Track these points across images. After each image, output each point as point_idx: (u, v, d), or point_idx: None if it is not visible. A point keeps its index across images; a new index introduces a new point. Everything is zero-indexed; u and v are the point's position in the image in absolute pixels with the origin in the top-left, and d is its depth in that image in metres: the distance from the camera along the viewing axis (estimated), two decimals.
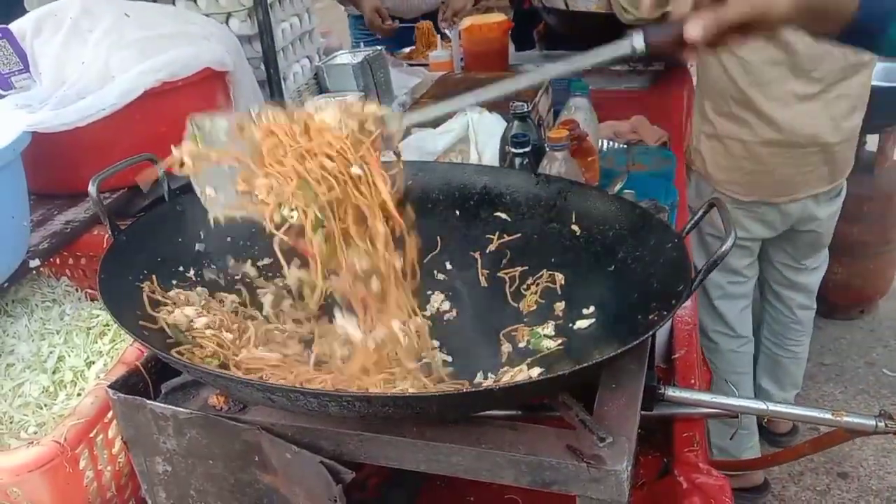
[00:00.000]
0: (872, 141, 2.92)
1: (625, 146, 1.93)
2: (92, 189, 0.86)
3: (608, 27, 2.69)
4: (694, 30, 0.86)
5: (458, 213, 1.18)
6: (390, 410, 0.70)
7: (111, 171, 0.91)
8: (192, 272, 0.99)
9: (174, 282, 0.96)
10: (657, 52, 0.90)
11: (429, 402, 0.72)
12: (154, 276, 0.92)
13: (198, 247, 1.01)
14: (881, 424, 0.99)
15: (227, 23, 1.90)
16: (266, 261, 1.09)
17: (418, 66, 2.81)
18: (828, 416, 1.00)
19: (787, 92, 1.92)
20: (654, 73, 2.59)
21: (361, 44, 3.17)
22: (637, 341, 0.73)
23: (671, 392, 0.99)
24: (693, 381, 1.25)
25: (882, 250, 3.02)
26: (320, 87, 2.22)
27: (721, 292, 2.30)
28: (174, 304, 0.91)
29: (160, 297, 0.91)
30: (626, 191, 1.43)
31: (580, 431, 0.76)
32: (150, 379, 0.91)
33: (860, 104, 2.04)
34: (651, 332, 0.77)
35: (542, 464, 0.74)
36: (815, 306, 2.49)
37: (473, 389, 0.81)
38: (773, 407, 1.00)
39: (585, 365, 0.71)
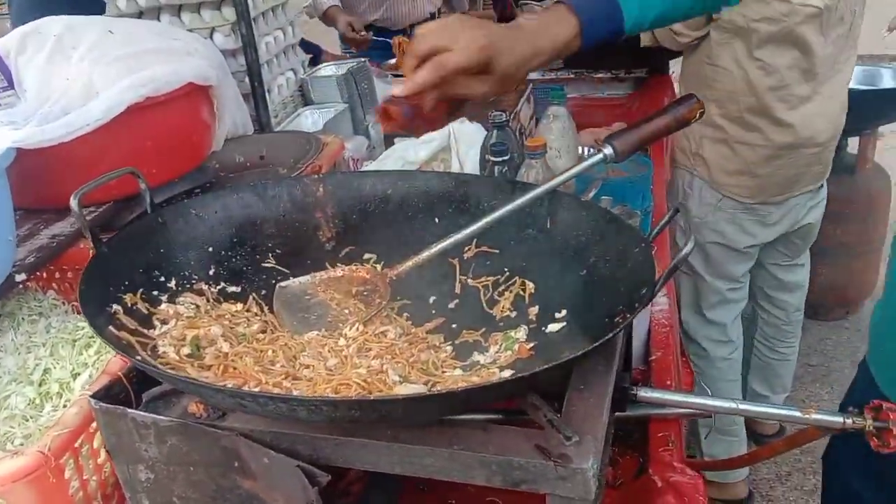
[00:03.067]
0: (853, 144, 2.96)
1: None
2: (74, 203, 0.88)
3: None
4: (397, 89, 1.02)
5: (437, 220, 1.20)
6: (357, 414, 0.72)
7: (93, 186, 0.93)
8: (173, 282, 1.01)
9: (155, 293, 0.98)
10: (624, 157, 1.10)
11: (395, 405, 0.74)
12: (137, 288, 0.94)
13: (180, 257, 1.03)
14: (849, 421, 1.01)
15: (210, 37, 1.93)
16: (249, 269, 1.11)
17: (403, 77, 2.83)
18: (797, 413, 1.02)
19: (794, 95, 1.97)
20: (636, 80, 2.63)
21: (348, 56, 3.21)
22: (598, 342, 0.75)
23: (643, 393, 1.01)
24: (669, 383, 1.28)
25: (865, 251, 3.06)
26: (305, 99, 2.25)
27: (719, 298, 2.32)
28: (162, 320, 0.94)
29: (145, 309, 0.93)
30: (604, 197, 1.46)
31: (548, 431, 0.78)
32: (131, 388, 0.93)
33: (845, 102, 2.11)
34: (613, 334, 0.79)
35: (511, 463, 0.76)
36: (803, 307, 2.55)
37: (439, 392, 0.83)
38: (743, 406, 1.02)
39: (548, 366, 0.73)
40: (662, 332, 1.35)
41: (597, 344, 0.75)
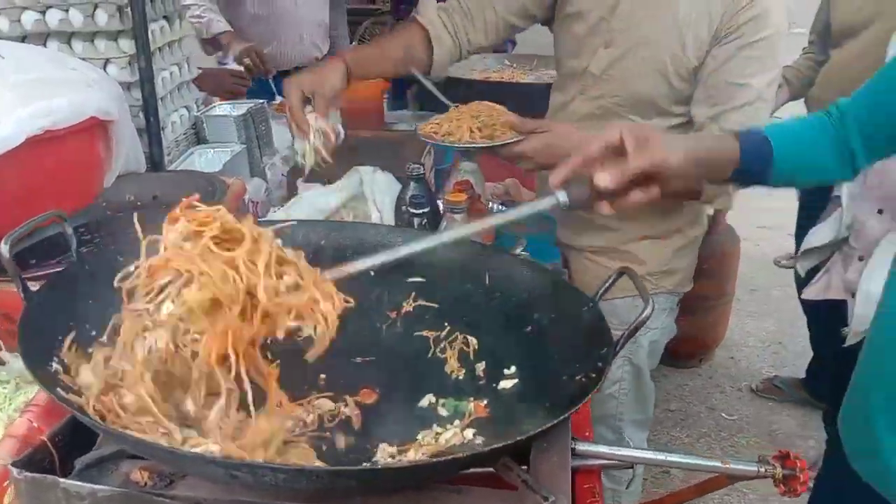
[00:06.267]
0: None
1: (503, 208, 2.02)
2: (5, 248, 0.80)
3: (480, 93, 2.83)
4: (602, 180, 0.98)
5: (372, 273, 1.19)
6: (354, 483, 0.70)
7: (24, 230, 0.84)
8: (105, 337, 0.93)
9: (89, 350, 0.90)
10: (577, 205, 1.03)
11: (380, 475, 0.72)
12: (71, 343, 0.86)
13: (110, 308, 0.95)
14: (762, 469, 1.10)
15: (104, 69, 1.82)
16: None
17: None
18: (717, 464, 1.10)
19: None
20: None
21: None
22: (581, 403, 0.78)
23: (582, 447, 1.04)
24: (587, 434, 1.32)
25: (719, 303, 3.32)
26: (199, 137, 2.16)
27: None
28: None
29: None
30: (522, 252, 1.51)
31: (523, 492, 0.79)
32: (57, 454, 0.84)
33: None
34: (590, 395, 0.82)
35: None
36: None
37: (418, 463, 0.82)
38: (670, 457, 1.08)
39: (531, 433, 0.75)
40: None
41: (576, 409, 0.77)
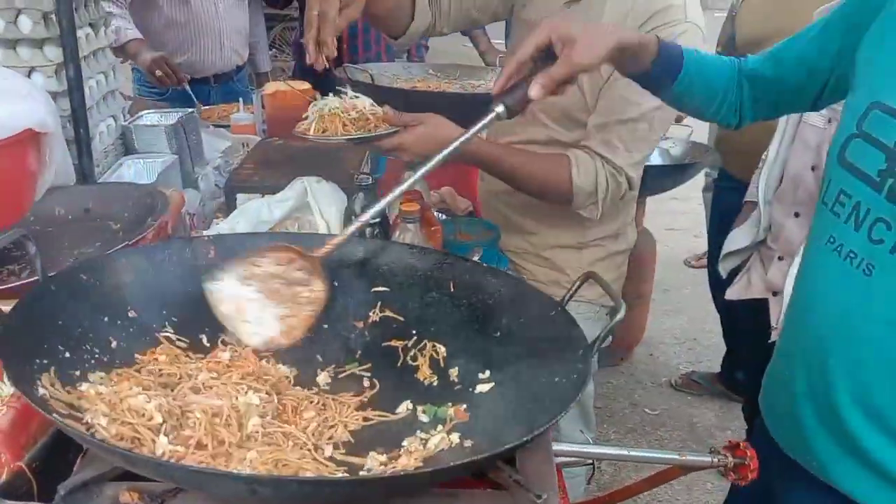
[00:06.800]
0: None
1: (446, 217, 2.05)
2: None
3: (410, 104, 2.84)
4: (535, 91, 1.08)
5: (336, 283, 1.19)
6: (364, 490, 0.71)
7: None
8: (76, 358, 0.90)
9: (70, 371, 0.87)
10: (514, 113, 1.13)
11: (376, 484, 0.73)
12: (49, 367, 0.83)
13: (78, 329, 0.92)
14: (715, 459, 1.17)
15: (28, 77, 1.74)
16: (146, 339, 1.02)
17: (221, 126, 2.75)
18: (675, 456, 1.16)
19: None
20: None
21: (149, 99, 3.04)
22: (571, 404, 0.81)
23: (556, 447, 1.08)
24: None
25: (636, 304, 3.46)
26: (127, 147, 2.10)
27: None
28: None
29: (58, 392, 0.82)
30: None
31: (516, 492, 0.82)
32: (35, 481, 0.81)
33: None
34: (580, 395, 0.86)
35: None
36: None
37: (414, 471, 0.83)
38: (633, 452, 1.14)
39: (526, 438, 0.78)
40: None
41: (567, 411, 0.80)
